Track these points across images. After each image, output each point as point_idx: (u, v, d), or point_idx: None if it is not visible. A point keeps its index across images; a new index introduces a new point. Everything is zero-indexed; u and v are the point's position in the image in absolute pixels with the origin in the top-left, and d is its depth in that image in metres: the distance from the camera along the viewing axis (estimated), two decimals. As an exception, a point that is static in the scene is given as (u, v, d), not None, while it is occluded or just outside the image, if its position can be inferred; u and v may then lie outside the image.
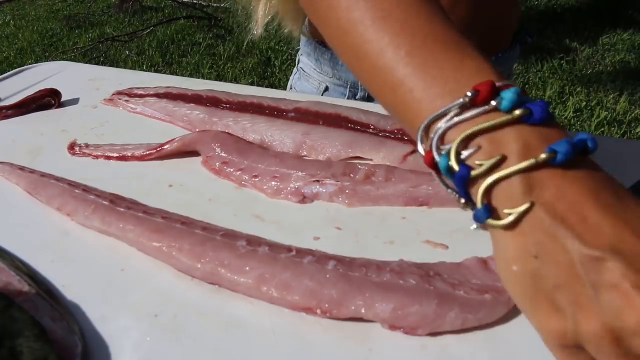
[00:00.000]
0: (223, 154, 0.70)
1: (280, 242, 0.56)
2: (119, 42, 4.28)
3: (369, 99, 0.96)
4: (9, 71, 1.09)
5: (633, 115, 2.61)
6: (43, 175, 0.70)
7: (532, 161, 0.31)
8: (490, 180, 0.32)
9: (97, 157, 0.76)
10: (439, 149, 0.34)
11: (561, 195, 0.30)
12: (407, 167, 0.67)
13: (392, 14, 0.39)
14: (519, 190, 0.31)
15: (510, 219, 0.32)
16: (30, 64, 1.27)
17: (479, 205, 0.33)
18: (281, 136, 0.74)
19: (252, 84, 3.35)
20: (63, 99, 0.95)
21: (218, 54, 3.93)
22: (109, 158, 0.75)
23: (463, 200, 0.35)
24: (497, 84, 0.33)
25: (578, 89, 2.93)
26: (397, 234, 0.58)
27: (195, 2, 5.02)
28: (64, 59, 3.84)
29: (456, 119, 0.33)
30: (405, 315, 0.46)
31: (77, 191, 0.66)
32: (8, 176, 0.72)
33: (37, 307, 0.50)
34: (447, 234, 0.58)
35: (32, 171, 0.72)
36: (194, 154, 0.74)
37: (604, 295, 0.28)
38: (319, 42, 0.97)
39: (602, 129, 2.51)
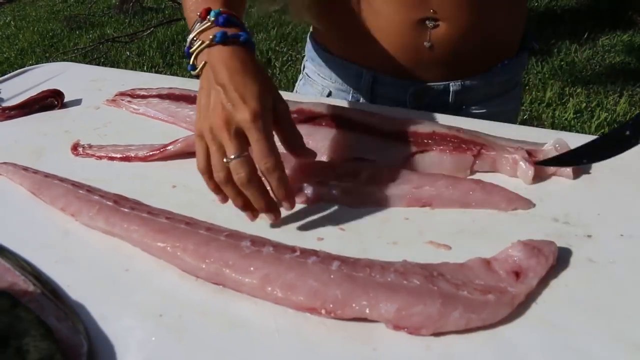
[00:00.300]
0: (226, 155, 0.70)
1: (284, 242, 0.56)
2: (119, 43, 4.28)
3: (371, 103, 0.96)
4: (10, 71, 1.09)
5: (633, 116, 2.61)
6: (46, 175, 0.71)
7: (206, 43, 0.62)
8: (194, 53, 0.63)
9: (100, 157, 0.76)
10: (188, 44, 0.65)
11: (216, 61, 0.60)
12: (410, 168, 0.67)
13: None
14: (203, 56, 0.62)
15: (198, 69, 0.63)
16: (30, 65, 1.28)
17: (191, 64, 0.65)
18: (284, 137, 0.74)
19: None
20: (65, 100, 0.95)
21: (218, 54, 3.93)
22: (112, 159, 0.76)
23: (189, 66, 0.65)
24: (212, 9, 0.63)
25: (578, 90, 2.94)
26: (400, 234, 0.59)
27: (195, 2, 5.02)
28: (64, 60, 3.84)
29: (194, 28, 0.64)
30: (409, 315, 0.46)
31: (80, 191, 0.66)
32: (12, 176, 0.72)
33: (42, 306, 0.50)
34: (449, 235, 0.58)
35: (36, 171, 0.72)
36: (197, 154, 0.74)
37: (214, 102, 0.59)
38: (323, 48, 0.97)
39: (602, 130, 2.51)
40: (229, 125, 0.57)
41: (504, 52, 0.90)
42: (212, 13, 0.63)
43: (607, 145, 0.61)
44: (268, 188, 0.59)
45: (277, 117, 0.61)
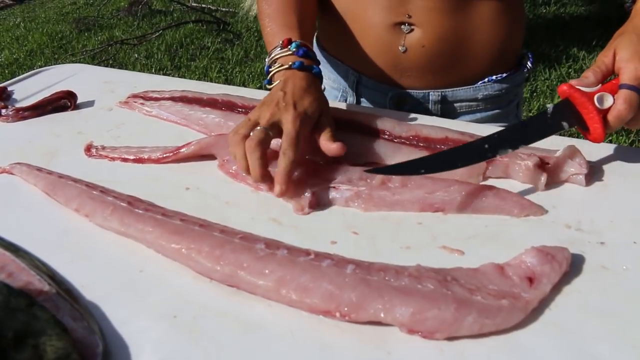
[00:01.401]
0: (240, 158, 0.70)
1: (297, 245, 0.56)
2: (128, 45, 4.30)
3: (356, 103, 0.99)
4: (19, 72, 1.11)
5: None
6: (60, 176, 0.71)
7: (285, 66, 0.73)
8: (273, 72, 0.75)
9: (113, 159, 0.77)
10: (267, 62, 0.78)
11: (290, 80, 0.71)
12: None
13: (269, 15, 0.84)
14: (281, 75, 0.73)
15: (274, 84, 0.73)
16: (40, 66, 1.29)
17: (268, 79, 0.76)
18: (297, 141, 0.74)
19: (260, 88, 3.36)
20: (78, 101, 0.96)
21: (226, 58, 3.94)
22: (125, 160, 0.76)
23: (266, 81, 0.77)
24: (292, 40, 0.76)
25: (586, 98, 2.92)
26: (413, 239, 0.59)
27: (203, 6, 5.04)
28: (73, 61, 3.87)
29: (274, 52, 0.76)
30: (424, 319, 0.46)
31: (94, 192, 0.67)
32: (26, 177, 0.73)
33: (57, 306, 0.51)
34: (462, 240, 0.58)
35: (50, 172, 0.73)
36: (210, 157, 0.74)
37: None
38: (321, 46, 1.02)
39: (610, 138, 2.51)
40: (272, 117, 0.66)
41: (491, 67, 0.90)
42: (294, 45, 0.75)
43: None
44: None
45: (319, 127, 0.70)
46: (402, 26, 0.84)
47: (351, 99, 0.99)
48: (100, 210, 0.63)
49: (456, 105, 0.92)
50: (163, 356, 0.47)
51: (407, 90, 0.91)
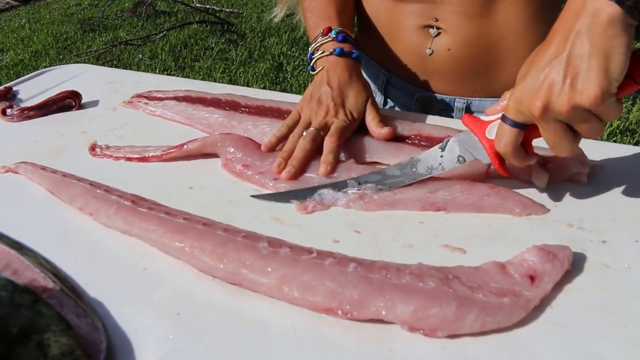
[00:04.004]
0: (243, 157, 0.71)
1: (300, 244, 0.57)
2: (132, 46, 4.31)
3: (384, 104, 0.99)
4: (24, 73, 1.11)
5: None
6: (65, 175, 0.72)
7: (326, 53, 0.80)
8: (316, 58, 0.82)
9: (117, 158, 0.77)
10: (310, 52, 0.84)
11: (331, 67, 0.79)
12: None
13: (311, 10, 0.90)
14: (322, 62, 0.80)
15: (317, 71, 0.80)
16: (44, 66, 1.29)
17: (311, 65, 0.82)
18: (300, 140, 0.74)
19: (263, 88, 3.36)
20: (83, 101, 0.97)
21: (230, 58, 3.95)
22: (129, 159, 0.76)
23: (309, 67, 0.83)
24: (332, 28, 0.83)
25: (590, 98, 2.92)
26: (415, 237, 0.59)
27: (207, 6, 5.05)
28: (77, 62, 3.87)
29: (317, 42, 0.83)
30: (425, 317, 0.47)
31: (98, 191, 0.67)
32: (31, 176, 0.73)
33: (61, 303, 0.51)
34: (464, 239, 0.58)
35: (54, 171, 0.73)
36: (213, 156, 0.75)
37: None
38: (363, 51, 1.00)
39: (615, 138, 2.50)
40: (324, 119, 0.74)
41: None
42: (333, 32, 0.82)
43: None
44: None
45: (366, 113, 0.78)
46: (430, 29, 0.86)
47: (379, 99, 1.01)
48: (104, 209, 0.64)
49: (481, 115, 0.90)
50: (166, 353, 0.47)
51: (434, 94, 0.92)
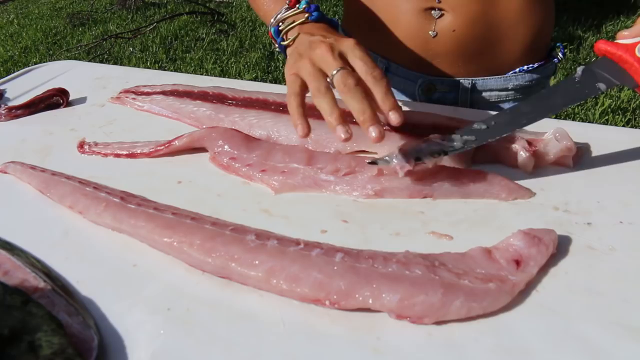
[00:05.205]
0: (231, 150, 0.71)
1: (288, 235, 0.57)
2: (123, 39, 4.29)
3: None
4: (14, 70, 1.11)
5: (637, 102, 2.61)
6: (54, 173, 0.72)
7: (301, 20, 0.72)
8: (286, 28, 0.73)
9: (106, 155, 0.77)
10: (273, 26, 0.74)
11: (309, 30, 0.69)
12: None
13: None
14: (295, 30, 0.71)
15: (289, 40, 0.71)
16: (34, 62, 1.29)
17: (279, 39, 0.74)
18: (287, 131, 0.75)
19: (255, 78, 3.36)
20: (71, 98, 0.96)
21: (221, 48, 3.93)
22: (118, 155, 0.77)
23: (277, 45, 0.75)
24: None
25: (582, 77, 2.92)
26: (402, 225, 0.59)
27: (197, -3, 5.02)
28: (68, 57, 3.86)
29: (282, 14, 0.74)
30: (412, 305, 0.47)
31: (87, 189, 0.67)
32: (20, 175, 0.73)
33: (52, 302, 0.52)
34: (451, 225, 0.59)
35: (43, 170, 0.73)
36: (202, 150, 0.75)
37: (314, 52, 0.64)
38: (347, 34, 0.99)
39: (606, 117, 2.51)
40: (332, 50, 0.63)
41: (521, 57, 0.90)
42: (303, 2, 0.73)
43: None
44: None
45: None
46: (433, 11, 0.84)
47: None
48: (94, 207, 0.64)
49: (485, 94, 0.91)
50: (158, 348, 0.48)
51: (437, 78, 0.91)
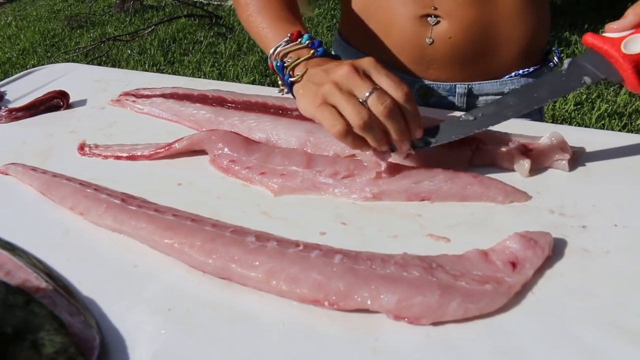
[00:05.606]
0: (230, 152, 0.72)
1: (287, 237, 0.58)
2: (121, 42, 4.29)
3: None
4: (12, 71, 1.12)
5: (633, 107, 2.63)
6: (54, 175, 0.72)
7: (307, 55, 0.69)
8: (292, 64, 0.70)
9: (106, 157, 0.78)
10: (275, 59, 0.72)
11: (317, 63, 0.67)
12: (409, 163, 0.68)
13: (262, 10, 0.80)
14: (302, 66, 0.69)
15: (298, 76, 0.68)
16: (32, 65, 1.30)
17: (286, 75, 0.70)
18: (286, 134, 0.75)
19: (253, 81, 3.36)
20: (71, 100, 0.97)
21: (219, 52, 3.94)
22: (118, 158, 0.77)
23: (281, 82, 0.73)
24: (302, 32, 0.72)
25: (578, 82, 2.94)
26: (400, 228, 0.60)
27: (195, 0, 5.03)
28: (65, 59, 3.87)
29: (282, 46, 0.72)
30: (409, 306, 0.48)
31: (88, 190, 0.68)
32: (21, 177, 0.74)
33: (54, 302, 0.52)
34: (448, 227, 0.60)
35: (44, 171, 0.74)
36: (202, 152, 0.76)
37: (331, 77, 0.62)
38: (345, 40, 1.01)
39: (603, 122, 2.52)
40: (356, 70, 0.61)
41: (517, 61, 0.90)
42: (306, 37, 0.71)
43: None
44: None
45: None
46: (429, 18, 0.84)
47: None
48: (95, 208, 0.64)
49: (482, 98, 0.92)
50: (158, 348, 0.48)
51: (434, 83, 0.92)
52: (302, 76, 0.68)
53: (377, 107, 0.59)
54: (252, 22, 0.80)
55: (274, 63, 0.72)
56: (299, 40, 0.71)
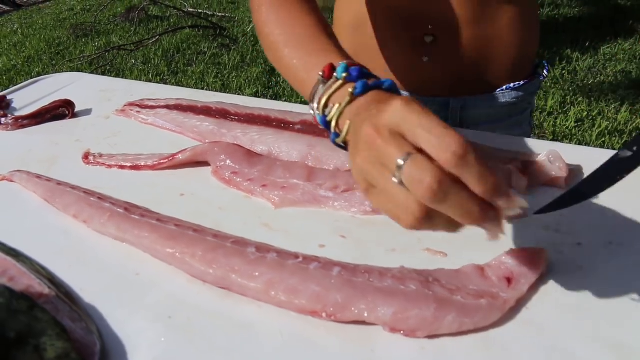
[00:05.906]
0: (233, 164, 0.73)
1: (287, 249, 0.59)
2: (125, 51, 4.32)
3: None
4: (17, 79, 1.13)
5: (634, 124, 2.64)
6: (59, 183, 0.74)
7: (346, 100, 0.50)
8: (334, 117, 0.51)
9: (110, 166, 0.79)
10: (317, 112, 0.54)
11: (358, 111, 0.49)
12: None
13: (291, 40, 0.63)
14: (345, 117, 0.50)
15: (345, 134, 0.50)
16: (37, 72, 1.31)
17: (332, 135, 0.52)
18: (288, 148, 0.76)
19: (256, 92, 3.38)
20: (76, 110, 0.98)
21: (223, 63, 3.96)
22: (122, 167, 0.78)
23: (331, 136, 0.53)
24: (334, 64, 0.54)
25: (579, 99, 2.95)
26: (398, 241, 0.61)
27: (200, 11, 5.07)
28: (70, 67, 3.89)
29: (319, 93, 0.53)
30: (405, 319, 0.49)
31: (92, 199, 0.69)
32: (25, 184, 0.75)
33: (56, 308, 0.53)
34: (446, 242, 0.60)
35: (49, 179, 0.75)
36: (204, 164, 0.77)
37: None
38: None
39: (603, 139, 2.53)
40: (378, 132, 0.43)
41: (510, 75, 0.92)
42: (340, 69, 0.52)
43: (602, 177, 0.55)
44: None
45: None
46: (425, 37, 0.85)
47: None
48: (98, 216, 0.66)
49: (475, 112, 0.93)
50: (158, 355, 0.49)
51: (429, 98, 0.92)
52: (347, 133, 0.50)
53: (415, 187, 0.40)
54: (285, 57, 0.63)
55: (318, 118, 0.54)
56: (334, 75, 0.53)
